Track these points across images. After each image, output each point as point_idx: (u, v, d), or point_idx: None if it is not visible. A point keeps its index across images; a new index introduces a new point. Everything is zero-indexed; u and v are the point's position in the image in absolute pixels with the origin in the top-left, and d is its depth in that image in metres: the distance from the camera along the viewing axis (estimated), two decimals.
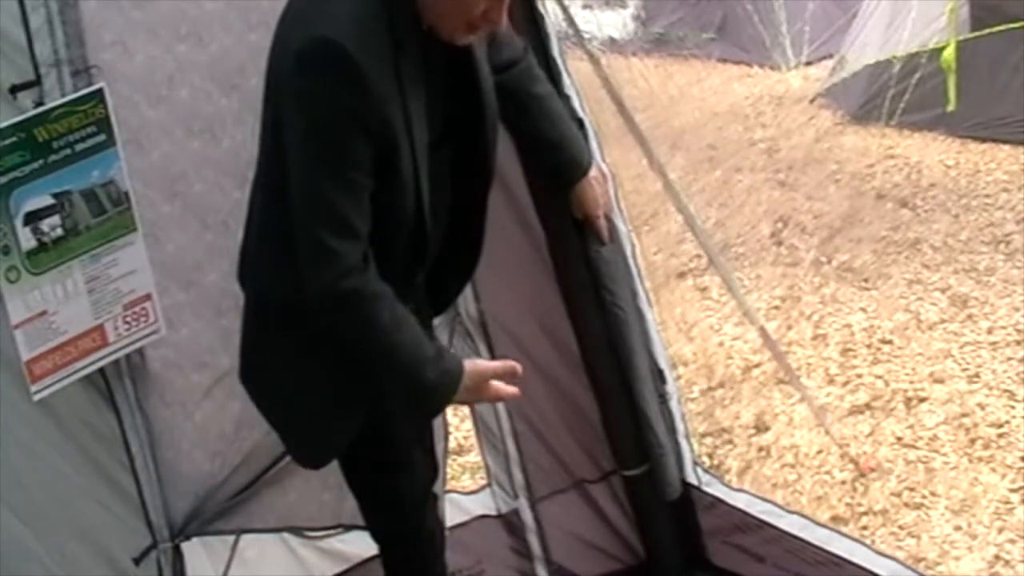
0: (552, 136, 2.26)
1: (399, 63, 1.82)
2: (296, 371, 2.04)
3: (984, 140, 6.33)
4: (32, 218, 2.03)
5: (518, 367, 2.02)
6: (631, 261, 2.66)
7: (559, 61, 2.48)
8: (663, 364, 2.73)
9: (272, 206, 1.95)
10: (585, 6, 9.28)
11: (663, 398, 2.70)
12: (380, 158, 1.82)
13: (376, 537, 2.34)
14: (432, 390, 1.94)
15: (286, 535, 2.65)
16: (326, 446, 2.11)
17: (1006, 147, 6.21)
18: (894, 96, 6.40)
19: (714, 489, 2.82)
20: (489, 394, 2.01)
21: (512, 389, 2.01)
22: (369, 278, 1.85)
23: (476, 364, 2.02)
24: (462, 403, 2.12)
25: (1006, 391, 3.90)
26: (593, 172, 2.32)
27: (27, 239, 2.03)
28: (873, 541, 3.16)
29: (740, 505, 2.79)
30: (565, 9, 2.82)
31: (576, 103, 2.50)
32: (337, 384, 2.03)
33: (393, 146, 1.83)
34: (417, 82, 1.85)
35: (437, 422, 2.60)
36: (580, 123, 2.49)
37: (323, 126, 1.79)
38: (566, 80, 2.49)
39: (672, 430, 2.75)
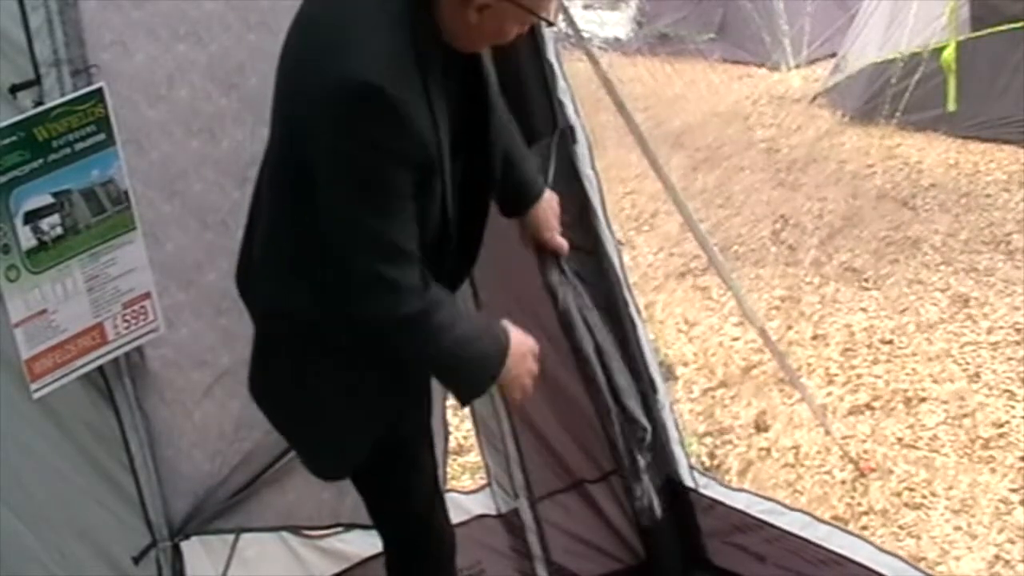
0: (514, 153, 2.18)
1: (428, 87, 1.80)
2: (314, 386, 2.00)
3: (984, 140, 6.33)
4: (32, 217, 2.03)
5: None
6: (619, 271, 2.63)
7: (555, 65, 2.47)
8: (654, 373, 2.71)
9: (286, 224, 1.91)
10: (586, 6, 9.29)
11: (649, 409, 2.68)
12: (418, 181, 1.82)
13: (386, 538, 2.32)
14: (489, 369, 1.95)
15: (285, 534, 2.65)
16: (346, 459, 2.09)
17: (1006, 147, 6.22)
18: (894, 96, 6.41)
19: (712, 491, 2.82)
20: (528, 365, 2.01)
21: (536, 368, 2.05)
22: (430, 293, 1.85)
23: (519, 333, 2.02)
24: (504, 383, 2.03)
25: (1006, 391, 3.91)
26: (546, 195, 2.24)
27: (27, 238, 2.03)
28: (873, 541, 3.16)
29: (740, 505, 2.79)
30: (565, 9, 2.83)
31: (570, 108, 2.49)
32: (359, 397, 2.01)
33: (431, 169, 1.83)
34: (441, 100, 1.84)
35: (436, 421, 2.60)
36: (572, 130, 2.48)
37: (367, 167, 1.76)
38: (561, 84, 2.48)
39: (663, 442, 2.74)
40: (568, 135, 2.49)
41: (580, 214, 2.53)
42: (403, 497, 2.23)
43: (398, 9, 1.77)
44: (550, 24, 2.10)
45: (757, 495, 2.87)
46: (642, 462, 2.59)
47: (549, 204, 2.23)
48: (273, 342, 2.03)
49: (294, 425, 2.10)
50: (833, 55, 7.75)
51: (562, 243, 2.26)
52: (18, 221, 2.01)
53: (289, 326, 1.98)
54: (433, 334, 1.86)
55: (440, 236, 1.94)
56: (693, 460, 3.04)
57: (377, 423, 2.05)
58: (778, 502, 2.86)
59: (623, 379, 2.47)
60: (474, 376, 1.96)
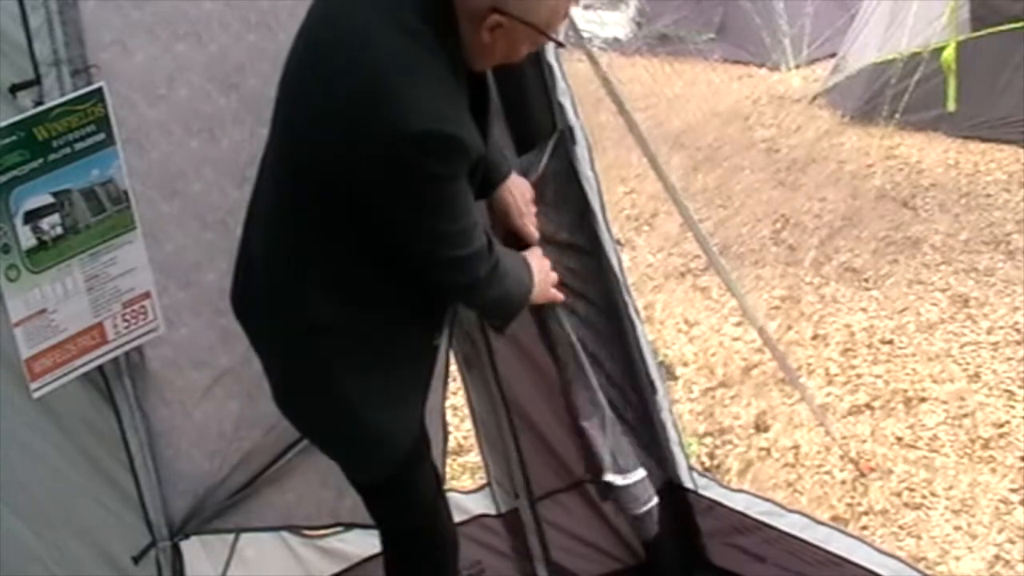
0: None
1: (462, 101, 1.83)
2: (346, 392, 2.01)
3: (984, 140, 6.34)
4: (32, 217, 2.03)
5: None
6: (619, 272, 2.63)
7: (554, 65, 2.47)
8: (654, 374, 2.71)
9: (317, 247, 1.92)
10: (586, 6, 9.28)
11: (647, 411, 2.68)
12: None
13: (389, 537, 2.31)
14: (527, 293, 2.13)
15: (285, 534, 2.65)
16: (385, 459, 2.10)
17: (1006, 147, 6.22)
18: (894, 96, 6.41)
19: (711, 492, 2.82)
20: (548, 276, 2.23)
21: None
22: (495, 249, 1.98)
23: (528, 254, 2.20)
24: (537, 298, 2.22)
25: (1006, 391, 3.91)
26: (513, 177, 2.25)
27: (27, 238, 2.03)
28: (873, 541, 3.16)
29: (739, 507, 2.79)
30: None
31: (570, 110, 2.49)
32: (392, 395, 2.03)
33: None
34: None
35: (436, 421, 2.60)
36: (571, 131, 2.48)
37: (436, 195, 1.81)
38: (560, 85, 2.48)
39: (661, 440, 2.73)
40: (568, 136, 2.49)
41: (580, 215, 2.53)
42: (409, 490, 2.22)
43: (430, 41, 1.77)
44: (560, 45, 2.12)
45: (756, 496, 2.87)
46: (672, 433, 2.68)
47: (516, 187, 2.24)
48: (300, 356, 2.02)
49: (330, 434, 2.11)
50: (833, 55, 7.75)
51: (532, 232, 2.26)
52: (18, 221, 2.01)
53: (318, 338, 1.97)
54: (500, 280, 2.00)
55: None
56: (693, 460, 3.04)
57: (411, 419, 2.09)
58: (777, 503, 2.85)
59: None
60: (518, 302, 2.12)
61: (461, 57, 1.82)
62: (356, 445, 2.10)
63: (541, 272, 2.19)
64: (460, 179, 1.83)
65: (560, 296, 2.31)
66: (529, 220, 2.26)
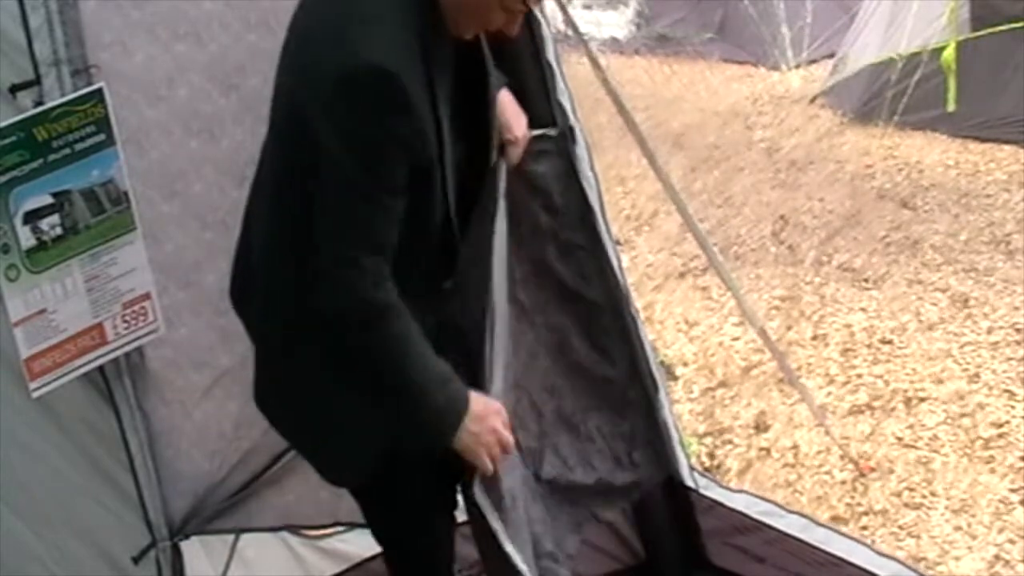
0: None
1: (433, 81, 1.81)
2: (326, 389, 1.96)
3: (984, 140, 6.33)
4: (32, 217, 2.03)
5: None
6: (619, 272, 2.63)
7: (554, 66, 2.48)
8: (655, 372, 2.71)
9: (290, 230, 1.88)
10: (586, 6, 9.29)
11: (651, 408, 2.67)
12: (416, 177, 1.81)
13: (377, 541, 2.28)
14: (442, 412, 1.90)
15: (285, 534, 2.65)
16: (361, 462, 2.03)
17: (1006, 147, 6.22)
18: (894, 96, 6.41)
19: (712, 492, 2.82)
20: (493, 430, 1.95)
21: (508, 436, 1.98)
22: (394, 294, 1.83)
23: (482, 397, 1.98)
24: (463, 444, 1.94)
25: (1006, 391, 3.90)
26: (504, 93, 2.15)
27: (27, 238, 2.03)
28: (873, 541, 3.16)
29: (739, 507, 2.78)
30: (565, 10, 2.82)
31: (569, 109, 2.49)
32: (369, 396, 1.96)
33: (430, 163, 1.83)
34: (446, 95, 1.84)
35: None
36: (572, 131, 2.48)
37: (367, 152, 1.76)
38: (560, 85, 2.48)
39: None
40: (568, 136, 2.49)
41: (581, 215, 2.53)
42: (392, 504, 2.14)
43: None
44: (528, 9, 2.00)
45: (756, 496, 2.87)
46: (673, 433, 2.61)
47: (509, 100, 2.18)
48: (281, 352, 1.99)
49: (302, 431, 2.07)
50: (833, 55, 7.75)
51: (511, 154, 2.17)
52: (18, 221, 2.01)
53: (301, 330, 1.93)
54: (397, 336, 1.83)
55: (444, 245, 1.95)
56: (693, 461, 3.04)
57: (386, 423, 1.99)
58: (776, 504, 2.85)
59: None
60: (435, 415, 1.89)
61: (436, 23, 1.81)
62: (329, 447, 2.04)
63: (479, 420, 1.92)
64: (398, 154, 1.76)
65: (490, 468, 1.97)
66: (517, 138, 2.16)
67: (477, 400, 1.94)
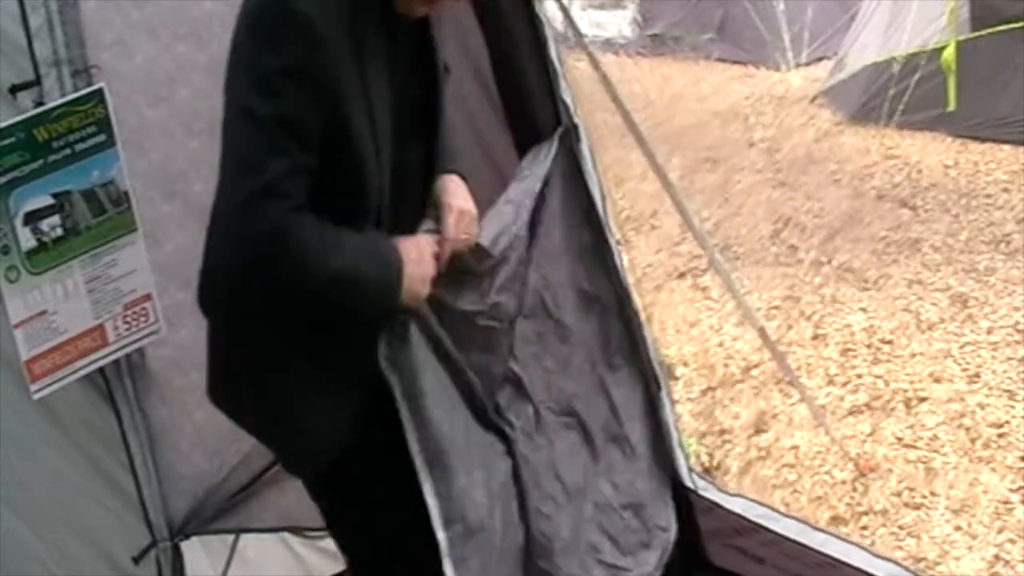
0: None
1: (356, 27, 1.71)
2: (279, 369, 1.88)
3: (984, 140, 6.33)
4: (32, 218, 2.03)
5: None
6: (622, 270, 2.63)
7: (557, 65, 2.48)
8: (657, 370, 2.72)
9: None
10: (585, 6, 9.29)
11: (653, 408, 2.68)
12: (333, 136, 1.71)
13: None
14: (383, 278, 1.80)
15: (285, 534, 2.65)
16: (320, 448, 1.92)
17: (1006, 147, 6.22)
18: (894, 96, 6.41)
19: (711, 494, 2.82)
20: (430, 260, 1.87)
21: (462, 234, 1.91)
22: (291, 222, 1.68)
23: (407, 238, 1.87)
24: (413, 292, 1.85)
25: (1006, 391, 3.90)
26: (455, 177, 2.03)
27: (27, 239, 2.03)
28: (873, 541, 3.16)
29: (737, 509, 2.79)
30: (565, 10, 2.82)
31: (572, 108, 2.50)
32: (326, 373, 1.87)
33: (347, 123, 1.72)
34: (377, 56, 1.76)
35: None
36: (576, 128, 2.48)
37: (270, 85, 1.66)
38: (562, 84, 2.48)
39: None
40: (572, 133, 2.49)
41: (586, 213, 2.53)
42: (355, 508, 2.01)
43: None
44: None
45: (753, 500, 2.87)
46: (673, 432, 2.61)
47: (458, 182, 2.03)
48: (226, 334, 1.91)
49: (260, 416, 1.95)
50: (833, 55, 7.76)
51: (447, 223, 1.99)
52: (18, 222, 2.01)
53: (239, 310, 1.83)
54: (304, 253, 1.69)
55: (381, 217, 1.84)
56: (693, 461, 3.04)
57: (346, 405, 1.90)
58: (773, 508, 2.86)
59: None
60: (378, 285, 1.80)
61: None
62: (288, 427, 1.93)
63: (417, 261, 1.85)
64: (309, 100, 1.66)
65: (423, 293, 1.89)
66: (454, 232, 1.96)
67: (405, 244, 1.84)
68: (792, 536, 2.68)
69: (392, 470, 1.96)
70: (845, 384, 4.05)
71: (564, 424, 2.40)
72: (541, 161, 2.38)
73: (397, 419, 1.93)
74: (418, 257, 1.86)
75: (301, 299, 1.77)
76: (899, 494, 3.42)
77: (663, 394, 2.71)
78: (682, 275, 5.10)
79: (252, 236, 1.66)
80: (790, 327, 4.48)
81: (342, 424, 1.91)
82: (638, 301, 2.69)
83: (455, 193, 2.00)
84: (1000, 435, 3.66)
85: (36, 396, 2.10)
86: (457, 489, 2.00)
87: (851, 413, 3.86)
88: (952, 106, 6.47)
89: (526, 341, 2.34)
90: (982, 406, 3.82)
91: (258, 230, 1.66)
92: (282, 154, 1.67)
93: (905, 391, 3.96)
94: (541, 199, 2.39)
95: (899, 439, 3.69)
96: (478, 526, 2.06)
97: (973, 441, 3.64)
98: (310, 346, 1.86)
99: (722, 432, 3.84)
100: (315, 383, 1.89)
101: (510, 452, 2.26)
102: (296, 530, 2.66)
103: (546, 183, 2.40)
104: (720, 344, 4.41)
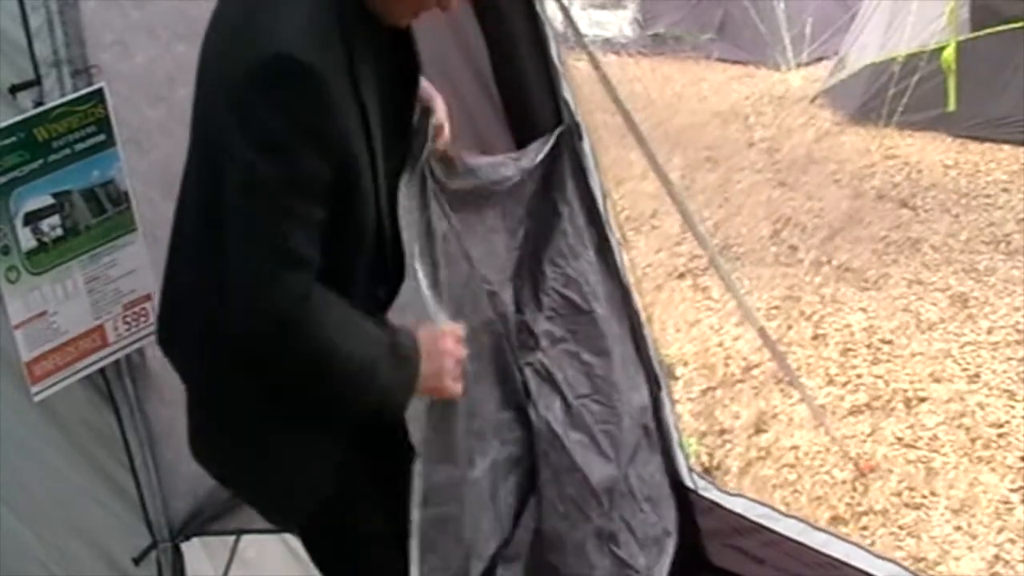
0: None
1: (355, 66, 1.66)
2: (264, 422, 1.81)
3: (984, 140, 6.34)
4: (32, 218, 2.03)
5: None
6: (623, 269, 2.63)
7: (558, 64, 2.48)
8: (658, 370, 2.72)
9: (214, 251, 1.69)
10: (585, 6, 9.29)
11: (655, 408, 2.68)
12: (340, 180, 1.66)
13: None
14: (398, 373, 1.77)
15: (286, 535, 2.65)
16: (307, 497, 1.87)
17: (1006, 147, 6.23)
18: (894, 96, 6.41)
19: (711, 494, 2.82)
20: (446, 353, 1.84)
21: (462, 350, 1.88)
22: (315, 301, 1.66)
23: (423, 330, 1.85)
24: (428, 387, 1.83)
25: (1006, 391, 3.90)
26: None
27: (27, 239, 2.02)
28: (873, 541, 3.17)
29: (737, 509, 2.79)
30: (565, 10, 2.82)
31: (573, 107, 2.50)
32: (311, 428, 1.82)
33: (353, 164, 1.68)
34: (372, 89, 1.71)
35: None
36: (578, 127, 2.48)
37: (278, 146, 1.60)
38: (564, 83, 2.48)
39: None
40: (574, 132, 2.49)
41: (589, 212, 2.53)
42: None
43: None
44: None
45: (753, 500, 2.87)
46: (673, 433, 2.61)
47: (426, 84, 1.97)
48: (211, 389, 1.87)
49: (248, 474, 1.89)
50: (833, 55, 7.76)
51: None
52: (18, 222, 2.01)
53: (231, 366, 1.75)
54: (323, 338, 1.67)
55: (378, 251, 1.81)
56: (692, 461, 3.04)
57: (327, 468, 1.85)
58: (773, 508, 2.86)
59: None
60: (393, 379, 1.78)
61: (357, 7, 1.69)
62: (272, 483, 1.87)
63: (434, 352, 1.81)
64: (313, 152, 1.61)
65: (459, 389, 1.87)
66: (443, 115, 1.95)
67: (422, 337, 1.82)
68: (793, 536, 2.68)
69: (381, 522, 1.94)
70: (845, 384, 4.05)
71: (603, 416, 2.41)
72: (528, 154, 2.38)
73: (384, 471, 1.91)
74: (432, 348, 1.82)
75: (309, 375, 1.72)
76: (899, 494, 3.42)
77: (663, 394, 2.71)
78: (682, 275, 5.10)
79: (276, 312, 1.63)
80: (790, 327, 4.48)
81: (326, 478, 1.86)
82: (638, 301, 2.69)
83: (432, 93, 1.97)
84: (1000, 435, 3.66)
85: (37, 398, 2.09)
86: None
87: (851, 413, 3.87)
88: (952, 106, 6.47)
89: (554, 340, 2.36)
90: (982, 406, 3.82)
91: (281, 306, 1.63)
92: (298, 217, 1.63)
93: (905, 391, 3.96)
94: (541, 195, 2.40)
95: (899, 439, 3.70)
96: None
97: (973, 441, 3.64)
98: (296, 403, 1.79)
99: (722, 432, 3.84)
100: (299, 438, 1.83)
101: (526, 439, 2.29)
102: None
103: (550, 182, 2.40)
104: (720, 344, 4.42)
